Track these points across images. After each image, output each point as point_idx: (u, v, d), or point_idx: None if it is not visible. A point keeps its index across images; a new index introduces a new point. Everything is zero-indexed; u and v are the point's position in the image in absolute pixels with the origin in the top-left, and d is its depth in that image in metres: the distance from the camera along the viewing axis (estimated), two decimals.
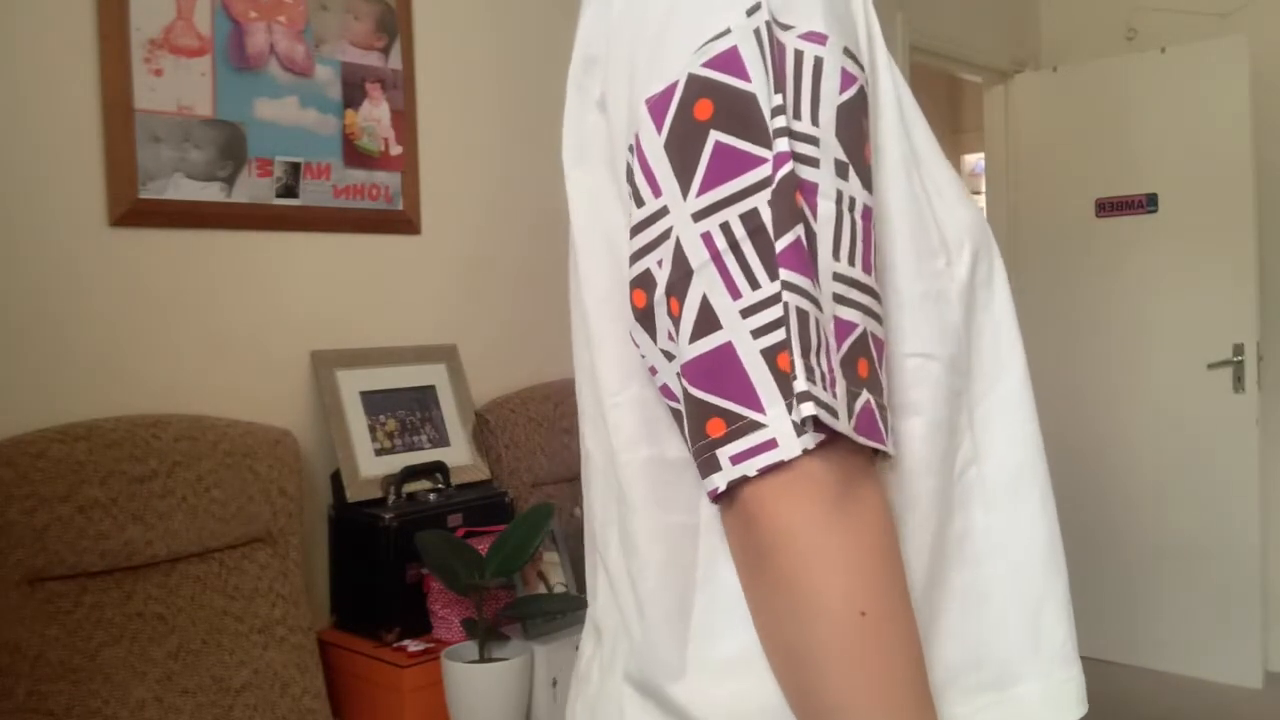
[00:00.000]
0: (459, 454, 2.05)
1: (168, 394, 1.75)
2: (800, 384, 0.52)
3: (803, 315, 0.53)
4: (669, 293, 0.55)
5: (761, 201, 0.53)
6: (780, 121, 0.54)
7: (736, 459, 0.53)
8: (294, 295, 1.94)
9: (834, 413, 0.52)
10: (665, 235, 0.55)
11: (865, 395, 0.54)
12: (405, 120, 2.10)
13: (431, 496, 1.90)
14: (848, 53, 0.57)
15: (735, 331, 0.53)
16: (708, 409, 0.54)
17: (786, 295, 0.52)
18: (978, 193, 4.32)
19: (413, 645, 1.78)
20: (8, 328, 1.59)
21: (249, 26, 1.86)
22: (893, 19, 3.18)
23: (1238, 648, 3.37)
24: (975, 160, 5.07)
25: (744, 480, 0.53)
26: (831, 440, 0.53)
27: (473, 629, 1.69)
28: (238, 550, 1.69)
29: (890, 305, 0.60)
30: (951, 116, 5.42)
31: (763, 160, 0.53)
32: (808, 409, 0.51)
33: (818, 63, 0.56)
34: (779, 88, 0.55)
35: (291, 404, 1.91)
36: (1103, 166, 3.61)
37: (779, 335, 0.52)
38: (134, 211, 1.71)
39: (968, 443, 0.65)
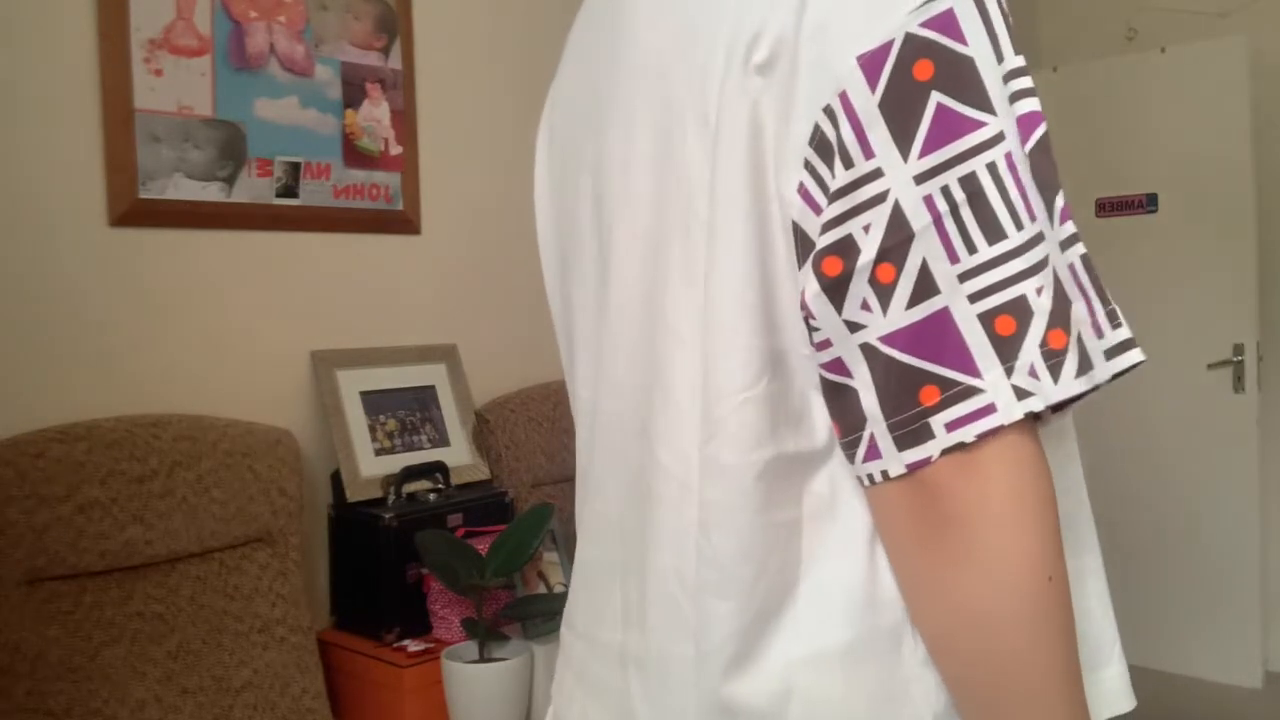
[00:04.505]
0: (459, 454, 2.05)
1: (168, 394, 1.75)
2: (1124, 330, 0.55)
3: (1091, 263, 0.56)
4: (881, 258, 0.54)
5: (980, 165, 0.54)
6: (1025, 81, 0.55)
7: (952, 426, 0.53)
8: (294, 295, 1.94)
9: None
10: (879, 198, 0.54)
11: None
12: (405, 120, 2.10)
13: (431, 496, 1.90)
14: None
15: (952, 296, 0.53)
16: (921, 376, 0.54)
17: (1082, 247, 0.55)
18: None
19: (413, 645, 1.78)
20: (8, 327, 1.59)
21: (249, 26, 1.86)
22: None
23: (1238, 648, 3.37)
24: None
25: (952, 448, 0.53)
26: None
27: (473, 629, 1.69)
28: (237, 550, 1.69)
29: None
30: None
31: (981, 124, 0.54)
32: (1136, 355, 0.54)
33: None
34: (1018, 49, 0.55)
35: (291, 404, 1.91)
36: (1103, 166, 3.60)
37: (997, 299, 0.53)
38: (134, 211, 1.71)
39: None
